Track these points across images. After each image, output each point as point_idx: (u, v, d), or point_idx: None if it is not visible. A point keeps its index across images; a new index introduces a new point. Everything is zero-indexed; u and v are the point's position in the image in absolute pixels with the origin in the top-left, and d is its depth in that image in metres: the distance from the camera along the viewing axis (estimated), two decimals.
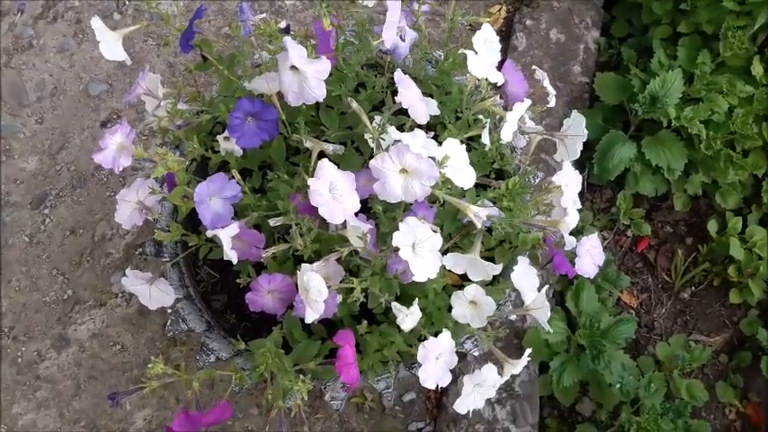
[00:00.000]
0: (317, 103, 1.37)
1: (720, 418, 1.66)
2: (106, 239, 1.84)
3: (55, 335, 1.71)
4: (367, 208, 1.14)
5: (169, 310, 1.32)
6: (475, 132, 1.09)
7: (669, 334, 1.72)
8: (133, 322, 1.75)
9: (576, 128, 1.14)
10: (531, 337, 1.52)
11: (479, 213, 0.94)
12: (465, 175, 0.99)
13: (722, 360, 1.70)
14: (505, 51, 1.87)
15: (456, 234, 1.25)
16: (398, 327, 1.06)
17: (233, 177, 1.07)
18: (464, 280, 1.24)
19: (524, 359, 1.02)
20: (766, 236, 1.66)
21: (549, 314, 1.00)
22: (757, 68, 1.62)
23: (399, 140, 0.92)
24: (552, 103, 1.18)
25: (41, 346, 1.70)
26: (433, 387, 1.01)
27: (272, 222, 0.98)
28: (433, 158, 0.92)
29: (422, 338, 1.19)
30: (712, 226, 1.72)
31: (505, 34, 1.93)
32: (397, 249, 0.96)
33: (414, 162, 0.92)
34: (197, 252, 1.37)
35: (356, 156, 1.27)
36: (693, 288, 1.77)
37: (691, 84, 1.63)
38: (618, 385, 1.44)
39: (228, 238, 1.01)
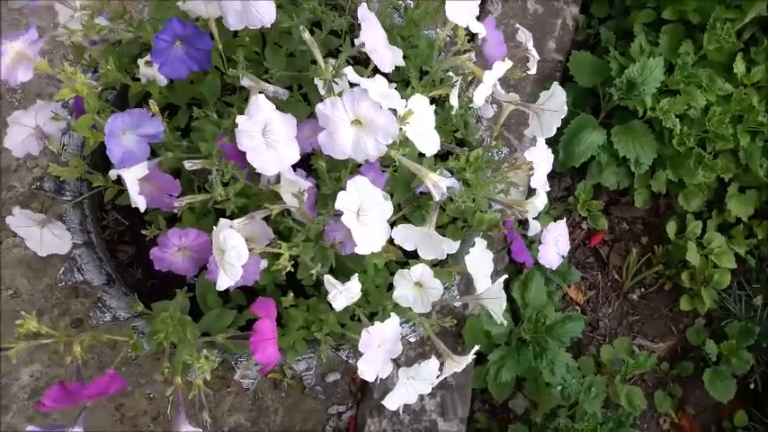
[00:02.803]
0: (263, 39, 1.21)
1: (654, 427, 1.59)
2: (11, 170, 1.62)
3: None
4: (308, 166, 0.98)
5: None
6: (442, 91, 0.94)
7: (613, 335, 1.64)
8: (32, 266, 1.55)
9: (556, 102, 1.01)
10: (472, 324, 1.40)
11: (439, 183, 0.79)
12: (429, 140, 0.84)
13: (663, 368, 1.63)
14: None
15: (406, 206, 1.11)
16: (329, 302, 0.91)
17: (155, 114, 0.89)
18: (408, 257, 1.11)
19: (469, 357, 0.89)
20: (724, 243, 1.59)
21: (504, 306, 0.87)
22: (739, 66, 1.53)
23: (357, 85, 0.76)
24: (533, 70, 1.04)
25: None
26: (372, 379, 0.87)
27: (187, 165, 0.81)
28: (395, 112, 0.77)
29: (355, 318, 1.05)
30: (671, 227, 1.64)
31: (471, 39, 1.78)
32: (338, 214, 0.81)
33: (370, 112, 0.76)
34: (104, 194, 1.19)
35: (302, 105, 1.10)
36: (643, 290, 1.69)
37: (670, 74, 1.52)
38: (559, 387, 1.34)
39: (135, 180, 0.83)
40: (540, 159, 0.99)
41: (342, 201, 0.77)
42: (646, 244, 1.72)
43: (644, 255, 1.69)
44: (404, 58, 1.08)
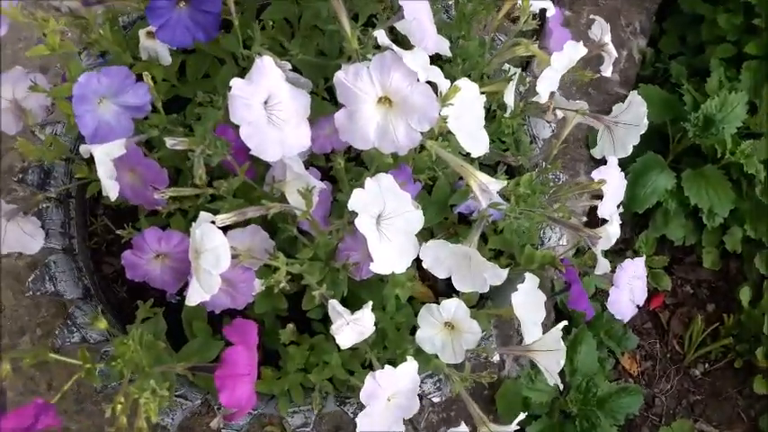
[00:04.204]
0: (292, 30, 1.06)
1: None
2: (14, 172, 1.48)
3: None
4: (330, 177, 0.82)
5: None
6: (495, 88, 0.76)
7: (671, 416, 1.39)
8: (20, 279, 1.39)
9: (633, 114, 0.82)
10: (508, 388, 1.18)
11: (488, 187, 0.60)
12: (476, 137, 0.66)
13: None
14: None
15: (440, 232, 0.92)
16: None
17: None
18: (438, 296, 0.91)
19: (512, 428, 0.68)
20: None
21: (561, 362, 0.67)
22: None
23: (389, 48, 0.59)
24: (608, 72, 0.87)
25: None
26: None
27: (169, 143, 0.64)
28: (434, 87, 0.59)
29: (367, 364, 0.85)
30: (744, 294, 1.41)
31: (539, 24, 1.62)
32: (352, 222, 0.63)
33: (404, 87, 0.58)
34: (98, 197, 1.04)
35: (327, 104, 0.94)
36: (707, 366, 1.45)
37: (752, 114, 1.33)
38: None
39: (108, 160, 0.67)
40: (611, 182, 0.80)
41: (357, 200, 0.59)
42: (712, 312, 1.49)
43: (710, 324, 1.46)
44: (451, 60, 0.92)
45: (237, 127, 0.64)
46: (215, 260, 0.59)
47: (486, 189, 0.60)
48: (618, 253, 1.49)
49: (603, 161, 0.91)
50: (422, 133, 0.61)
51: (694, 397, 1.43)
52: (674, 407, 1.41)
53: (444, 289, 1.01)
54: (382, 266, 0.61)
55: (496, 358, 0.84)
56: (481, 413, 0.69)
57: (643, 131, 0.82)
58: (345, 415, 0.90)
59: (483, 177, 0.61)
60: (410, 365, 0.66)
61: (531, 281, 0.72)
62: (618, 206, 0.84)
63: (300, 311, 0.86)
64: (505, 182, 0.63)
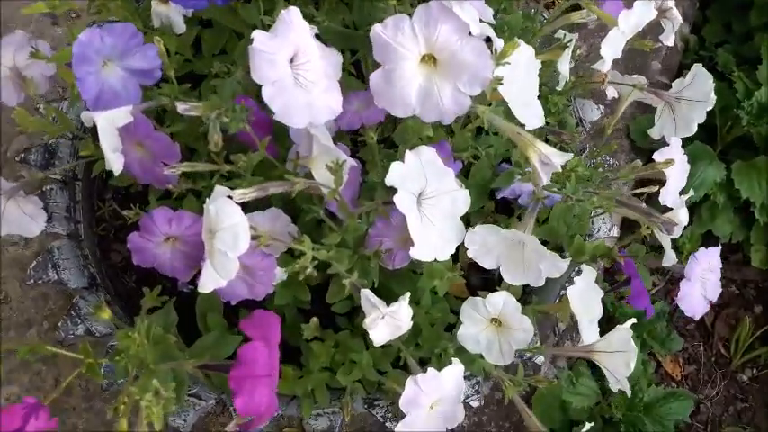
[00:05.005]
0: (317, 6, 0.98)
1: None
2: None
3: None
4: (354, 158, 0.74)
5: None
6: (550, 56, 0.67)
7: (717, 424, 1.30)
8: (26, 269, 1.32)
9: (698, 89, 0.74)
10: (545, 393, 1.09)
11: (551, 158, 0.52)
12: (531, 106, 0.57)
13: None
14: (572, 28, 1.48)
15: (478, 219, 0.84)
16: (365, 338, 0.65)
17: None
18: (474, 291, 0.83)
19: None
20: None
21: (632, 365, 0.58)
22: None
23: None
24: (670, 41, 0.78)
25: None
26: None
27: (180, 108, 0.56)
28: (489, 43, 0.51)
29: (399, 363, 0.77)
30: None
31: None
32: (388, 202, 0.55)
33: (452, 41, 0.50)
34: (106, 179, 0.97)
35: (354, 80, 0.86)
36: (756, 371, 1.36)
37: None
38: None
39: (113, 129, 0.59)
40: (674, 165, 0.71)
41: (396, 174, 0.51)
42: (760, 314, 1.40)
43: (758, 327, 1.36)
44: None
45: (258, 96, 0.57)
46: (232, 240, 0.51)
47: (548, 162, 0.52)
48: (657, 249, 1.40)
49: (644, 149, 0.82)
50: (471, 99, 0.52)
51: (742, 404, 1.33)
52: (721, 414, 1.32)
53: (479, 282, 0.93)
54: (424, 252, 0.53)
55: (540, 359, 0.75)
56: (540, 424, 0.61)
57: (710, 107, 0.74)
58: (372, 417, 0.83)
59: (545, 148, 0.52)
60: (455, 368, 0.58)
61: (588, 274, 0.63)
62: (681, 193, 0.75)
63: (322, 305, 0.78)
64: (571, 155, 0.54)
